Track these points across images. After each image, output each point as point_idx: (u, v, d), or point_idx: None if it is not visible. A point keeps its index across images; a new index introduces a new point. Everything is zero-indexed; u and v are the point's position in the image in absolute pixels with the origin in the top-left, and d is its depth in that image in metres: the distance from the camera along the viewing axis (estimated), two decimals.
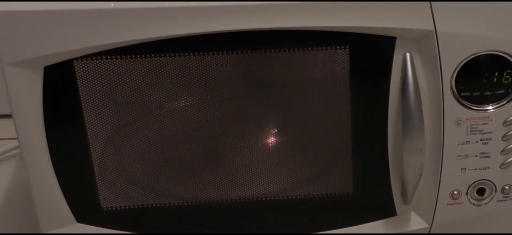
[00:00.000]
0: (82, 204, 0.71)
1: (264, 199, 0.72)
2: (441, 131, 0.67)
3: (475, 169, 0.70)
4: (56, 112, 0.66)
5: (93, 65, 0.64)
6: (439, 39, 0.64)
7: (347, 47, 0.64)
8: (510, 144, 0.69)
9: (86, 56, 0.63)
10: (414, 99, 0.64)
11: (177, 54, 0.64)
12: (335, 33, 0.63)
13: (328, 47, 0.64)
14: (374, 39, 0.64)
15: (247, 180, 0.71)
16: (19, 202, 0.86)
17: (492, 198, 0.71)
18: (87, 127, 0.67)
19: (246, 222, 0.73)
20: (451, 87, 0.66)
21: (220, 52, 0.64)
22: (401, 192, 0.70)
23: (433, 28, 0.63)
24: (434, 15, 0.63)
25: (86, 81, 0.64)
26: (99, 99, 0.66)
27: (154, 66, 0.64)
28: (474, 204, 0.72)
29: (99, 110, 0.66)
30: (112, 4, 0.62)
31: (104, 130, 0.68)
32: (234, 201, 0.71)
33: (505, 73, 0.66)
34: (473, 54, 0.64)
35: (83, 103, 0.65)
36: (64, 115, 0.66)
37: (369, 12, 0.63)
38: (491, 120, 0.67)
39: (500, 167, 0.70)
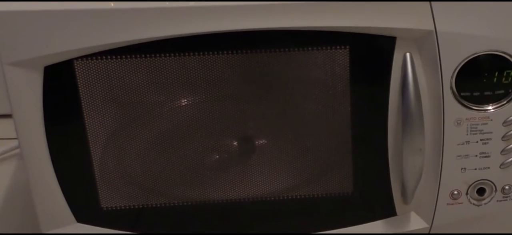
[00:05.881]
0: (82, 204, 0.71)
1: (264, 199, 0.72)
2: (441, 131, 0.67)
3: (475, 169, 0.70)
4: (56, 113, 0.66)
5: (93, 65, 0.64)
6: (439, 39, 0.64)
7: (347, 47, 0.64)
8: (510, 144, 0.69)
9: (86, 56, 0.63)
10: (414, 99, 0.64)
11: (177, 54, 0.64)
12: (335, 33, 0.63)
13: (328, 47, 0.64)
14: (374, 39, 0.64)
15: (247, 180, 0.71)
16: (19, 202, 0.86)
17: (492, 198, 0.71)
18: (87, 127, 0.67)
19: (246, 222, 0.73)
20: (451, 87, 0.66)
21: (220, 52, 0.64)
22: (401, 192, 0.70)
23: (433, 28, 0.63)
24: (434, 15, 0.63)
25: (86, 81, 0.64)
26: (99, 99, 0.66)
27: (154, 66, 0.64)
28: (474, 204, 0.72)
29: (99, 110, 0.66)
30: (112, 4, 0.62)
31: (104, 129, 0.67)
32: (234, 201, 0.71)
33: (505, 73, 0.66)
34: (473, 54, 0.64)
35: (83, 103, 0.65)
36: (64, 115, 0.66)
37: (369, 12, 0.63)
38: (491, 120, 0.67)
39: (500, 167, 0.70)
